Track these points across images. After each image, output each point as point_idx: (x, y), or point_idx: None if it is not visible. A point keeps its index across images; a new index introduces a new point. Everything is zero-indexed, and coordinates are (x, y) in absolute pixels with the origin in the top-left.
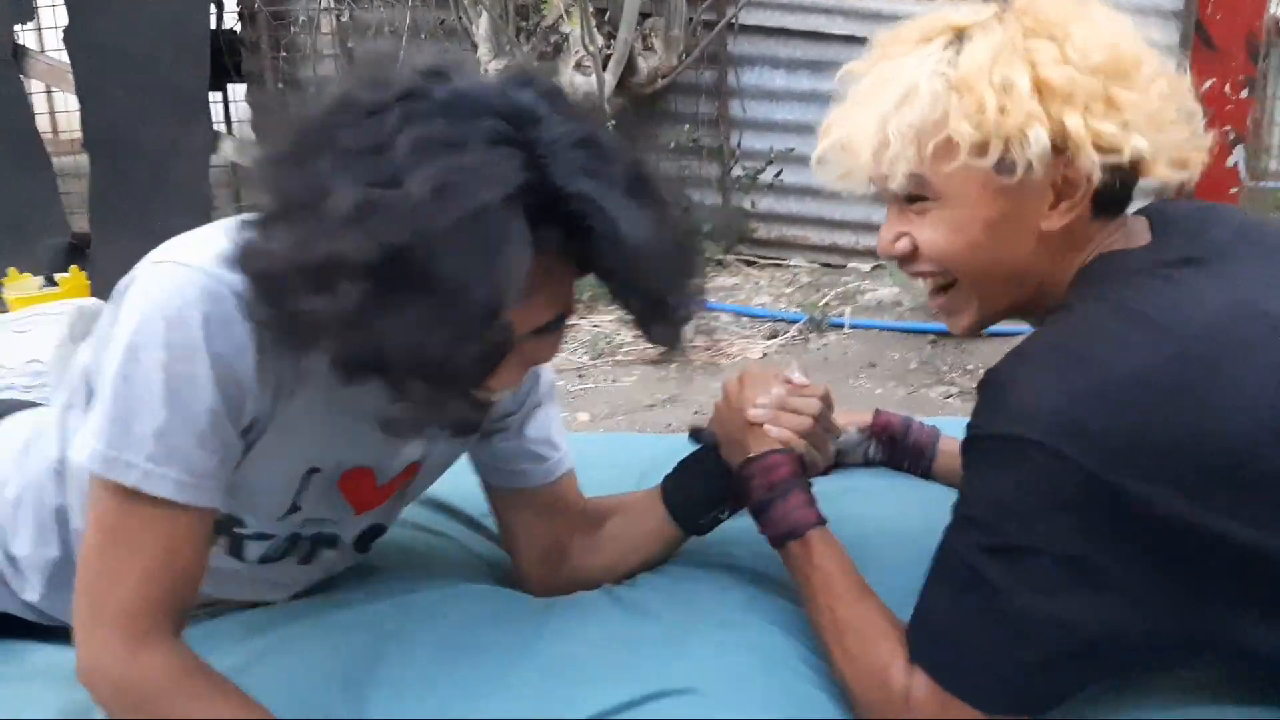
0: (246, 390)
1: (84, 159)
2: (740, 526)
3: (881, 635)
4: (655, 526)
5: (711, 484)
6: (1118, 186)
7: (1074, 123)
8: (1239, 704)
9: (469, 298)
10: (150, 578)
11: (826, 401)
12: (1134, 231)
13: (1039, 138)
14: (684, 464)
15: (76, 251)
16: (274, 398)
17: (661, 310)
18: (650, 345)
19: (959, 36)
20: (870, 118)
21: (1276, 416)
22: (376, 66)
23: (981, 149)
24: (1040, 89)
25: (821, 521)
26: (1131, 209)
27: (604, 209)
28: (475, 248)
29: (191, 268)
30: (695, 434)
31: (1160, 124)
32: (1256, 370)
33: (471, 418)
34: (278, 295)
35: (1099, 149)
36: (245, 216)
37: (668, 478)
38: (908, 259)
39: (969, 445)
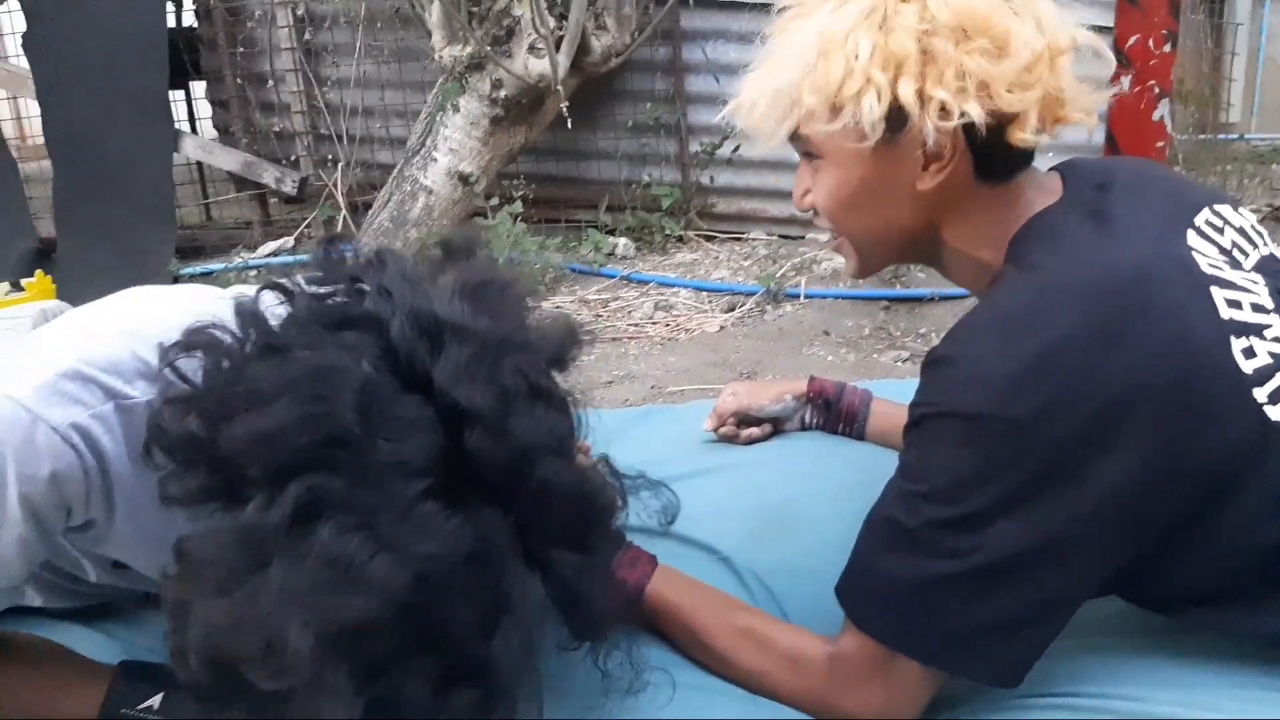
0: (75, 509)
1: (50, 164)
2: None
3: (770, 628)
4: None
5: None
6: (996, 148)
7: (904, 90)
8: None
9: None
10: None
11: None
12: (1049, 189)
13: (871, 105)
14: None
15: (43, 256)
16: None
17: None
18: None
19: None
20: (761, 78)
21: (1203, 353)
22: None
23: (830, 114)
24: (880, 55)
25: (646, 575)
26: (1044, 166)
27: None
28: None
29: (21, 405)
30: None
31: (1027, 84)
32: (1182, 312)
33: None
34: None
35: (942, 113)
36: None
37: None
38: (815, 213)
39: (919, 424)
